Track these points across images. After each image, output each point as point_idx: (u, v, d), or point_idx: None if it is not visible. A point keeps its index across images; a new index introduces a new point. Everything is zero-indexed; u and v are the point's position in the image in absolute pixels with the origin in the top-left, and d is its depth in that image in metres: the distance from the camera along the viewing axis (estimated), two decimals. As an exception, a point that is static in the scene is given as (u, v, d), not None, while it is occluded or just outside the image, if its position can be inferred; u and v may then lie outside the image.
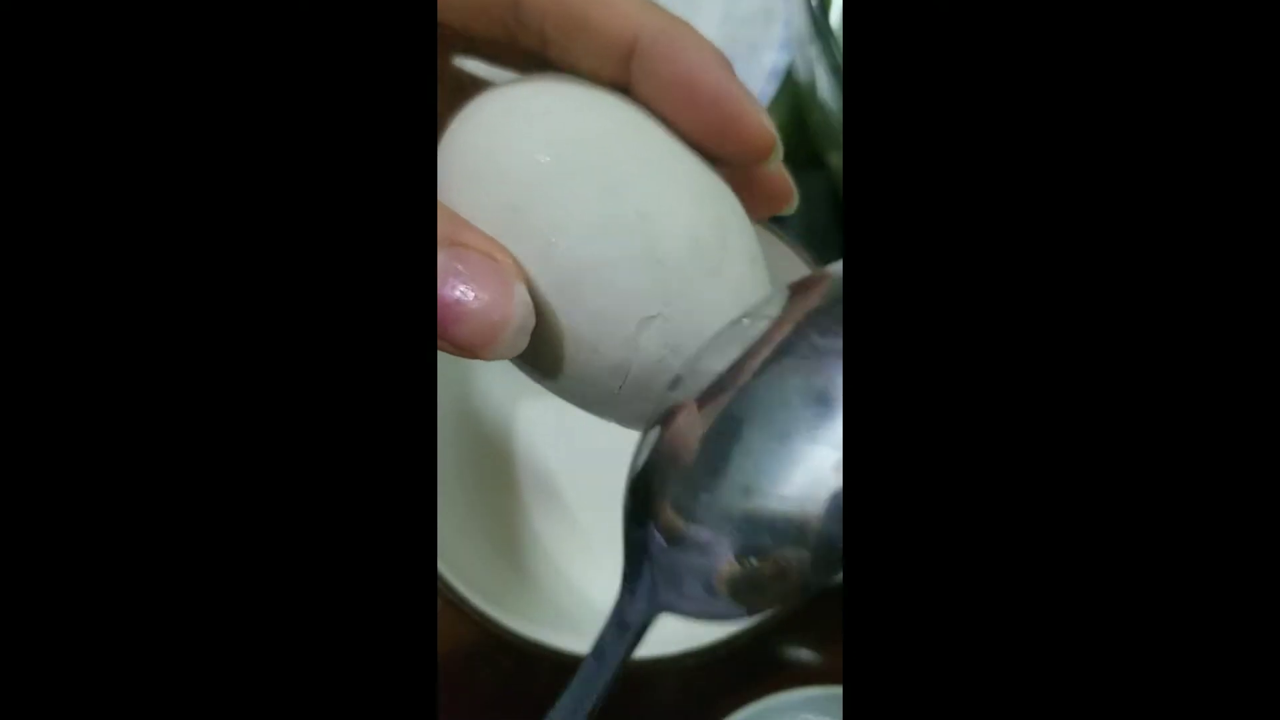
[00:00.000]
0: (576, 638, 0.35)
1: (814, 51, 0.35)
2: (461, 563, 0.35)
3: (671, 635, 0.33)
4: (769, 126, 0.19)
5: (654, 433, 0.17)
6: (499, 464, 0.41)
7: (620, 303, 0.18)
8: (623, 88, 0.20)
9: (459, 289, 0.17)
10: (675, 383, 0.18)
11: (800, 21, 0.35)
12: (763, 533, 0.16)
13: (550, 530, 0.40)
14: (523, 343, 0.17)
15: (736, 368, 0.17)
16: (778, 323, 0.17)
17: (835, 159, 0.38)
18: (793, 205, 0.22)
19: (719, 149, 0.20)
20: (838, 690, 0.34)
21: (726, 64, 0.19)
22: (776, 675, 0.37)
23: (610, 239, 0.18)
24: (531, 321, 0.17)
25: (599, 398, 0.19)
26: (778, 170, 0.21)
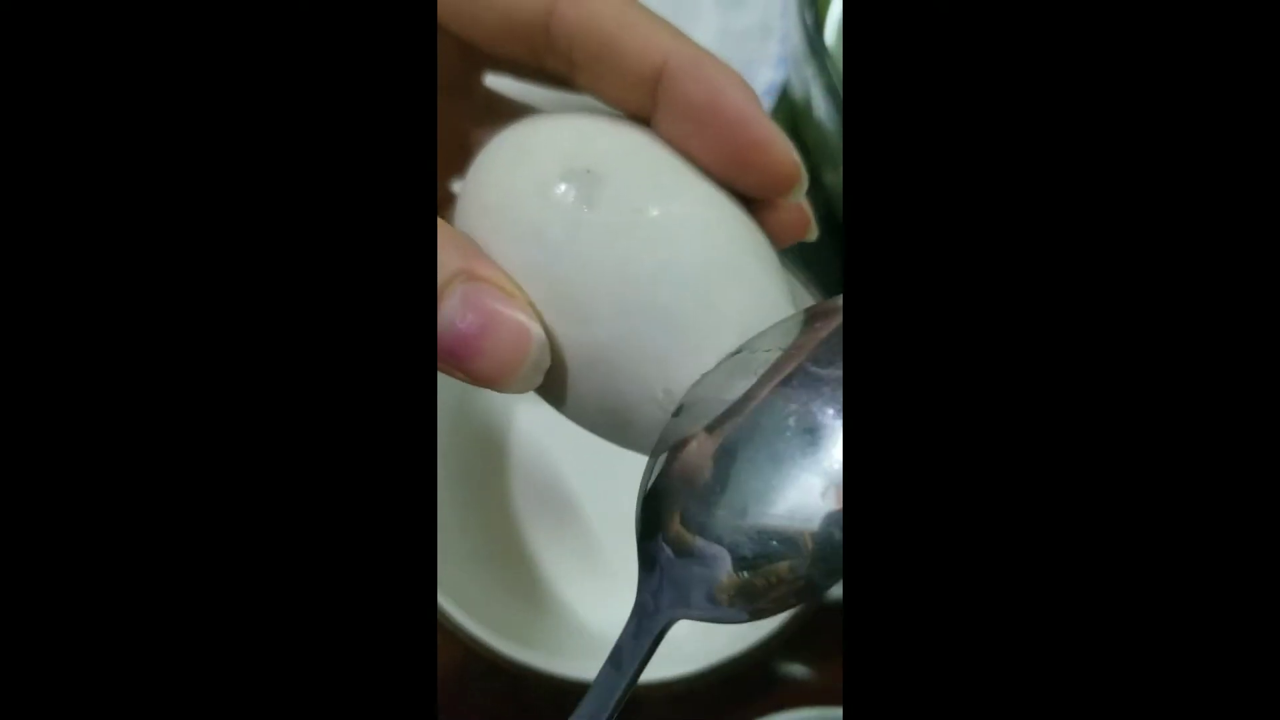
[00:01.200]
0: (570, 662, 0.34)
1: (810, 70, 0.35)
2: (453, 585, 0.35)
3: (667, 658, 0.33)
4: (794, 156, 0.19)
5: (665, 455, 0.18)
6: (493, 486, 0.41)
7: (640, 386, 0.18)
8: (645, 117, 0.20)
9: (476, 322, 0.17)
10: (679, 410, 0.18)
11: (796, 39, 0.36)
12: (757, 549, 0.17)
13: (544, 553, 0.40)
14: (538, 378, 0.18)
15: (748, 396, 0.18)
16: (787, 354, 0.18)
17: (830, 177, 0.38)
18: (812, 234, 0.22)
19: (741, 178, 0.19)
20: (837, 712, 0.34)
21: (752, 94, 0.19)
22: (773, 696, 0.37)
23: (629, 334, 0.18)
24: (547, 359, 0.18)
25: (620, 438, 0.20)
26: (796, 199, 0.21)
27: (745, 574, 0.17)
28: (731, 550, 0.17)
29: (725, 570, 0.17)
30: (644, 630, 0.17)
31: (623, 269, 0.18)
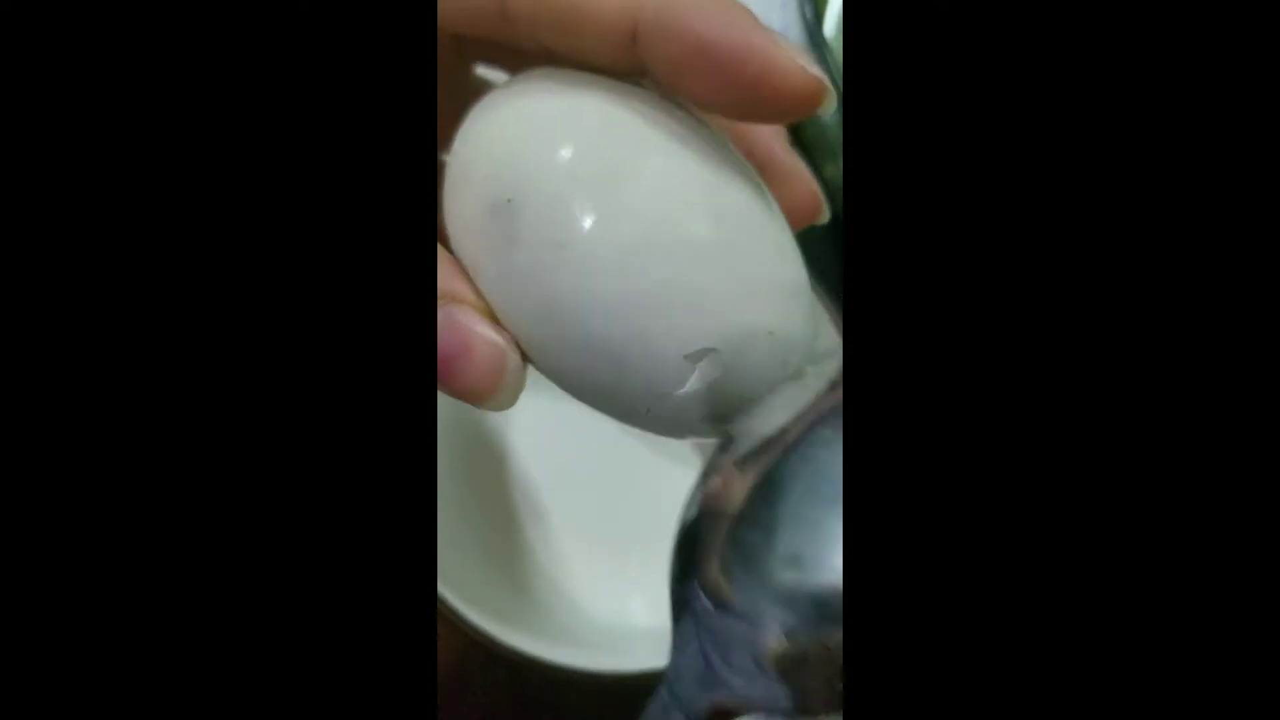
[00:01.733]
0: (570, 651, 0.34)
1: (809, 62, 0.35)
2: (453, 574, 0.35)
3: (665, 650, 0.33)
4: (811, 70, 0.17)
5: (702, 487, 0.17)
6: (492, 475, 0.41)
7: (604, 409, 0.18)
8: (636, 76, 0.18)
9: (455, 344, 0.17)
10: (727, 444, 0.17)
11: (795, 32, 0.36)
12: (810, 608, 0.14)
13: (543, 542, 0.40)
14: (515, 397, 0.18)
15: (787, 427, 0.16)
16: (834, 385, 0.16)
17: (829, 170, 0.38)
18: (824, 216, 0.20)
19: (759, 112, 0.17)
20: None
21: (746, 15, 0.17)
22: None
23: (573, 367, 0.18)
24: (524, 380, 0.18)
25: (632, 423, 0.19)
26: (803, 181, 0.20)
27: (800, 637, 0.14)
28: (780, 608, 0.14)
29: (773, 632, 0.14)
30: (672, 708, 0.15)
31: (553, 306, 0.17)
